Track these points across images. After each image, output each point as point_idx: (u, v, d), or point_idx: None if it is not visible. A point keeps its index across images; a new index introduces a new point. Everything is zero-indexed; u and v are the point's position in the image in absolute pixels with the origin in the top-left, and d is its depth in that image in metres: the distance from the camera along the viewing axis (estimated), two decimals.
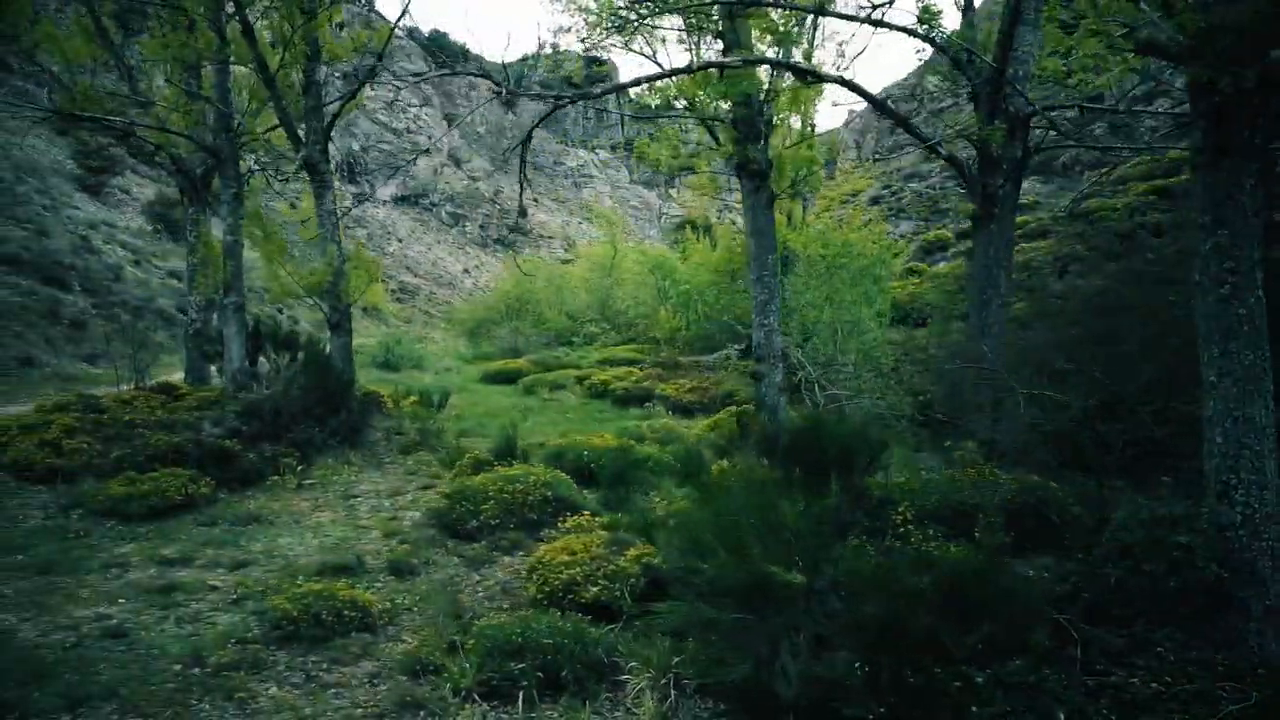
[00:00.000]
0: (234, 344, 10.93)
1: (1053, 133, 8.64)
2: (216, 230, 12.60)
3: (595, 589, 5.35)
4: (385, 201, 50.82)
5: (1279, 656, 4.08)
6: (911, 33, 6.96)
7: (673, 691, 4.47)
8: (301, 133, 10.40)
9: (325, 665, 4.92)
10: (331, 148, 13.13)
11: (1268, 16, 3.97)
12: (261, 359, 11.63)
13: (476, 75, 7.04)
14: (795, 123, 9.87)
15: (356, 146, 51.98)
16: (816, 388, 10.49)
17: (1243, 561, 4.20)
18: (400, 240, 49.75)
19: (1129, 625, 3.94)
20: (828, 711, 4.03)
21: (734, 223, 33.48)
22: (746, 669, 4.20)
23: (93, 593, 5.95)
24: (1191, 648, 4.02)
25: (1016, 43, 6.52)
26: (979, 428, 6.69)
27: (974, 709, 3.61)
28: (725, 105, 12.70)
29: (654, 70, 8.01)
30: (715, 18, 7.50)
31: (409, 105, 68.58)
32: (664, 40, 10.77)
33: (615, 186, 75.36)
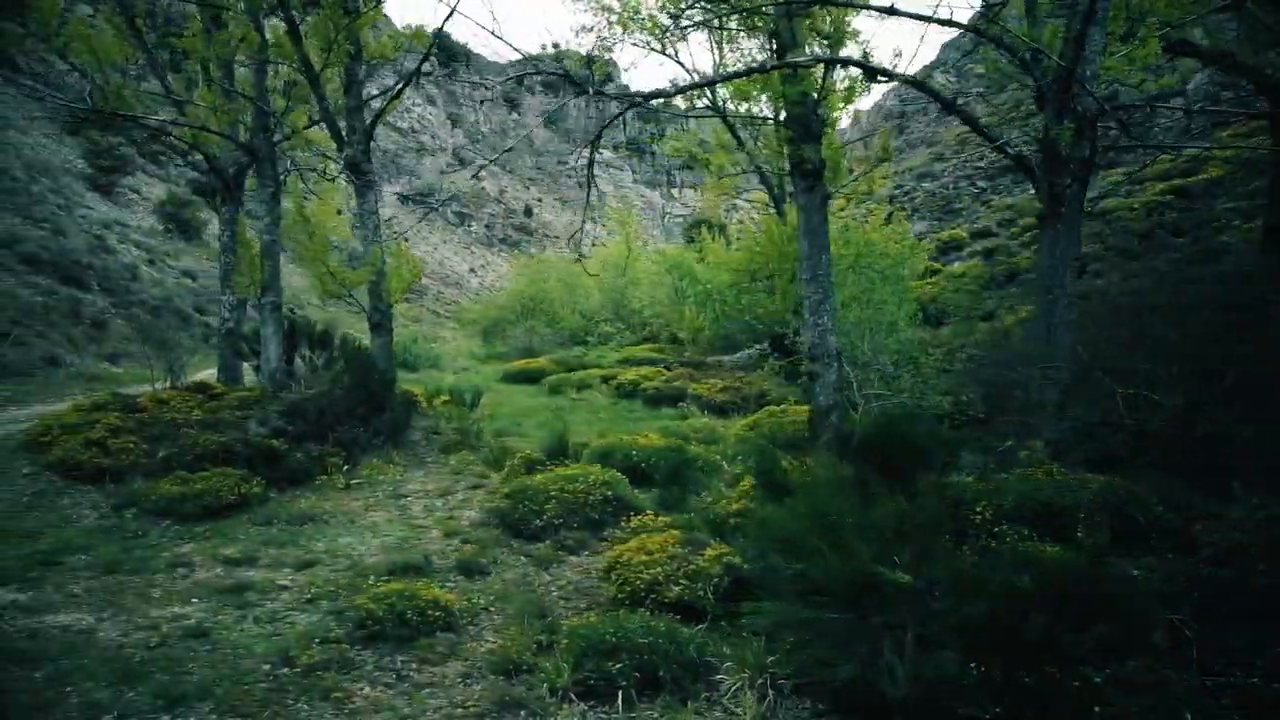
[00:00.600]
0: (272, 343, 10.89)
1: (1113, 131, 8.64)
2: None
3: (678, 589, 5.34)
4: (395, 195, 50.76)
5: None
6: (978, 31, 6.97)
7: (770, 691, 4.47)
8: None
9: (414, 665, 4.91)
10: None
11: None
12: (297, 359, 11.59)
13: (555, 75, 7.00)
14: (844, 121, 9.91)
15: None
16: (855, 388, 10.48)
17: None
18: (406, 240, 49.74)
19: (1242, 625, 3.93)
20: (936, 711, 4.02)
21: (741, 222, 33.44)
22: (852, 669, 4.19)
23: (164, 592, 5.93)
24: None
25: (1087, 43, 6.53)
26: (1042, 428, 6.68)
27: (1095, 709, 3.60)
28: (760, 108, 12.68)
29: (674, 69, 8.02)
30: (771, 16, 7.50)
31: (413, 105, 68.65)
32: (685, 39, 10.76)
33: (619, 186, 75.51)
